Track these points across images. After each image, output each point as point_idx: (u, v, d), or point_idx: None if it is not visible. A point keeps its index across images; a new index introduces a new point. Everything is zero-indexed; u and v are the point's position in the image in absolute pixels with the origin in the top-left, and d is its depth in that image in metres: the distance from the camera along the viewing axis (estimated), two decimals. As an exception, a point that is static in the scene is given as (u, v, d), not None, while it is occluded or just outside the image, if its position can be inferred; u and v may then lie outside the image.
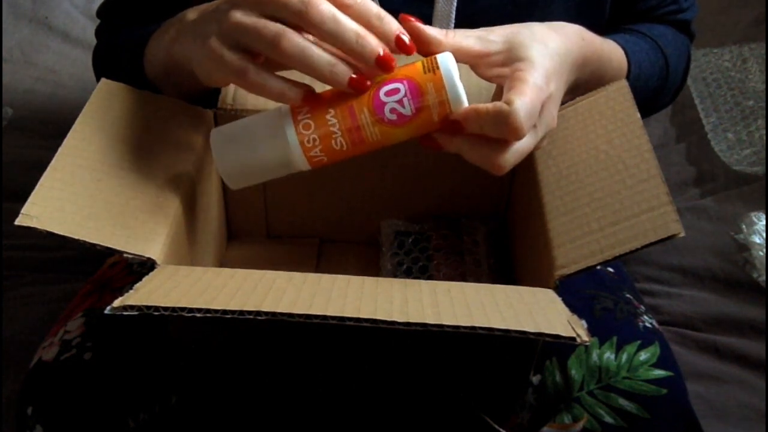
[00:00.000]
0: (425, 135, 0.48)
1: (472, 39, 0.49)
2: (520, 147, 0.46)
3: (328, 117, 0.46)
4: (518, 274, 0.62)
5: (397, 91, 0.46)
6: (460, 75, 0.46)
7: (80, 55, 1.21)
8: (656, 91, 0.68)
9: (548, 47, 0.49)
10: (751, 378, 0.79)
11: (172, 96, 0.58)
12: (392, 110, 0.46)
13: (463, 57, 0.48)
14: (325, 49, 0.45)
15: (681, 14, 0.71)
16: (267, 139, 0.48)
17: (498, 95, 0.49)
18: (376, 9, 0.45)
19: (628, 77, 0.62)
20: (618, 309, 0.59)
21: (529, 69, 0.47)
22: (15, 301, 0.85)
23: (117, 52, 0.65)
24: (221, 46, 0.46)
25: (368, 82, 0.46)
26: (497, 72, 0.49)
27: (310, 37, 0.45)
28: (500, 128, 0.44)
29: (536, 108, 0.45)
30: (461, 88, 0.46)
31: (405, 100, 0.46)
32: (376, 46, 0.44)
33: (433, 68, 0.46)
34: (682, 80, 0.74)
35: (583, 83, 0.55)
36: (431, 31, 0.47)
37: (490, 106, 0.44)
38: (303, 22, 0.44)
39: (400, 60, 0.47)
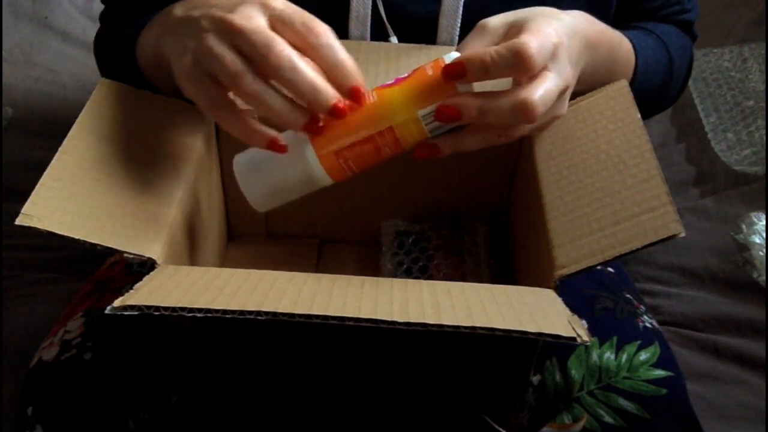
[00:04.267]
0: (422, 143, 0.48)
1: (471, 39, 0.49)
2: (546, 85, 0.46)
3: None
4: (518, 274, 0.62)
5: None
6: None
7: (80, 55, 1.21)
8: (661, 88, 0.68)
9: (551, 16, 0.49)
10: (751, 378, 0.79)
11: (164, 88, 0.57)
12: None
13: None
14: (281, 95, 0.46)
15: (684, 15, 0.71)
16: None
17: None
18: (333, 58, 0.45)
19: (635, 70, 0.62)
20: (618, 309, 0.59)
21: (532, 22, 0.47)
22: (15, 301, 0.85)
23: (115, 42, 0.65)
24: (194, 70, 0.47)
25: (321, 124, 0.47)
26: None
27: None
28: (511, 61, 0.44)
29: (546, 45, 0.45)
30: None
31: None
32: (331, 97, 0.45)
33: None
34: (684, 80, 0.73)
35: (600, 67, 0.55)
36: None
37: (496, 46, 0.45)
38: (262, 66, 0.45)
39: None
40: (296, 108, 0.46)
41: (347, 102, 0.46)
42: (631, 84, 0.60)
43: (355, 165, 0.49)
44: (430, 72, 0.47)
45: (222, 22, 0.46)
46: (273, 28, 0.45)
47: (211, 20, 0.47)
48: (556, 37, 0.47)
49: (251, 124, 0.47)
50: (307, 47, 0.45)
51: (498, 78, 0.46)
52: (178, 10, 0.52)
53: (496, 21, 0.49)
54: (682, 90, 0.74)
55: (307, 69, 0.45)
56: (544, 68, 0.46)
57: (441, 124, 0.47)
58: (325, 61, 0.45)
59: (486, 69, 0.45)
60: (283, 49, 0.44)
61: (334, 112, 0.45)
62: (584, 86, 0.55)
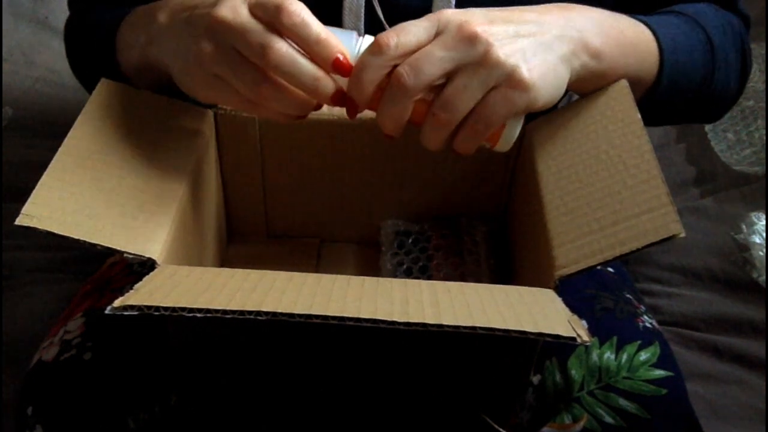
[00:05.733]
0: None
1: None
2: (416, 56, 0.46)
3: None
4: (518, 274, 0.62)
5: None
6: None
7: (80, 55, 1.21)
8: (706, 73, 0.60)
9: (480, 12, 0.49)
10: (751, 378, 0.79)
11: (151, 90, 0.57)
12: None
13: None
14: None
15: None
16: None
17: None
18: (315, 33, 0.46)
19: (661, 51, 0.56)
20: (618, 309, 0.59)
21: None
22: (15, 301, 0.85)
23: (87, 34, 0.64)
24: (208, 80, 0.48)
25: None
26: None
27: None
28: (372, 54, 0.46)
29: (407, 28, 0.46)
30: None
31: None
32: (331, 88, 0.47)
33: None
34: (741, 63, 0.64)
35: (603, 48, 0.52)
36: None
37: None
38: (263, 65, 0.46)
39: None
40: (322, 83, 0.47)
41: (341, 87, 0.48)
42: (662, 66, 0.56)
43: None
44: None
45: (212, 21, 0.46)
46: (252, 13, 0.46)
47: (200, 22, 0.47)
48: (450, 15, 0.47)
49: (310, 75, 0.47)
50: (282, 28, 0.45)
51: (381, 75, 0.47)
52: (162, 16, 0.52)
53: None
54: (744, 75, 0.65)
55: (305, 61, 0.46)
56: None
57: None
58: (303, 40, 0.46)
59: (359, 79, 0.47)
60: (281, 46, 0.45)
61: (335, 101, 0.48)
62: (603, 77, 0.53)
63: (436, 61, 0.46)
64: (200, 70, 0.48)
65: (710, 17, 0.62)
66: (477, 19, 0.47)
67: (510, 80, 0.46)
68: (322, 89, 0.47)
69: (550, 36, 0.49)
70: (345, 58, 0.47)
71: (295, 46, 0.46)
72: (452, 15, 0.47)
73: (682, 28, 0.60)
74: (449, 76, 0.47)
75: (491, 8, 0.49)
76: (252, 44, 0.45)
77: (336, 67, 0.46)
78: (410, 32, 0.46)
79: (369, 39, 0.49)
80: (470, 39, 0.46)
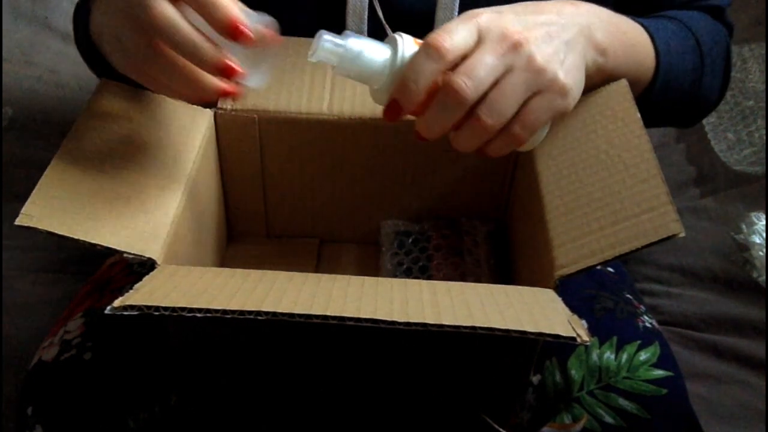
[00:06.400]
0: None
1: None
2: (469, 62, 0.45)
3: None
4: (518, 274, 0.62)
5: None
6: None
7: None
8: (695, 78, 0.63)
9: (515, 11, 0.49)
10: (751, 378, 0.79)
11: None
12: None
13: None
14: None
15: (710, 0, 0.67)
16: None
17: None
18: None
19: (657, 54, 0.58)
20: (618, 309, 0.59)
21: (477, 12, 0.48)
22: (15, 301, 0.85)
23: (77, 15, 0.64)
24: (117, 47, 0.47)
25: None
26: None
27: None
28: (429, 56, 0.45)
29: (457, 28, 0.46)
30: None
31: None
32: (211, 55, 0.44)
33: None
34: (724, 71, 0.66)
35: (608, 45, 0.53)
36: None
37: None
38: (145, 26, 0.44)
39: None
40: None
41: (235, 60, 0.45)
42: (657, 68, 0.58)
43: None
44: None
45: None
46: None
47: None
48: (488, 20, 0.47)
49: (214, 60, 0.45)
50: None
51: (431, 81, 0.46)
52: None
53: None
54: (725, 83, 0.67)
55: (186, 24, 0.44)
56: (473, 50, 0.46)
57: None
58: (198, 5, 0.44)
59: (414, 84, 0.45)
60: (164, 8, 0.43)
61: (220, 69, 0.45)
62: (605, 74, 0.54)
63: (489, 69, 0.45)
64: (110, 35, 0.47)
65: (700, 24, 0.64)
66: (514, 25, 0.47)
67: (552, 86, 0.47)
68: (202, 55, 0.44)
69: (570, 33, 0.49)
70: (242, 24, 0.43)
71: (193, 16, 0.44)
72: (490, 20, 0.47)
73: (675, 33, 0.61)
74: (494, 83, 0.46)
75: (513, 5, 0.49)
76: (141, 6, 0.44)
77: (231, 31, 0.44)
78: (459, 36, 0.46)
79: (408, 39, 0.47)
80: (516, 46, 0.46)
